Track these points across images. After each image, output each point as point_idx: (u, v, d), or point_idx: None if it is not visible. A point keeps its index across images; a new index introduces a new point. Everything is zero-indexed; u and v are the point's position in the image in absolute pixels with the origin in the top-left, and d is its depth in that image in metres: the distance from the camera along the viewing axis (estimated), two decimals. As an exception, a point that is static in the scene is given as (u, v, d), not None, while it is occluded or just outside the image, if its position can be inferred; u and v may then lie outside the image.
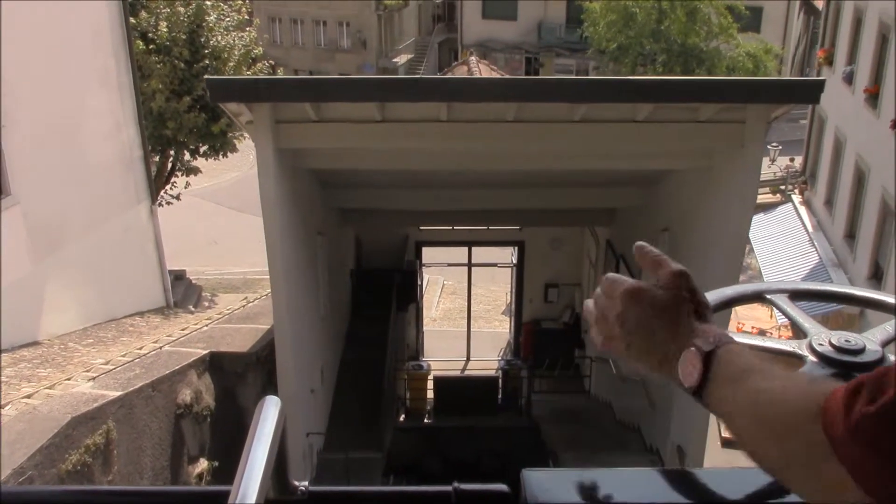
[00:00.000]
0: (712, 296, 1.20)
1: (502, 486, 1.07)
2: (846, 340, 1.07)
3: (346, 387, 12.58)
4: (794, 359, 1.08)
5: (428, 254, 18.05)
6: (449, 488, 1.07)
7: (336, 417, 11.82)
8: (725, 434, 12.78)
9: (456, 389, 15.03)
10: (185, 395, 9.81)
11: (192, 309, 16.29)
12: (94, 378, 9.06)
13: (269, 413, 0.98)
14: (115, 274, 13.72)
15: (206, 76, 10.99)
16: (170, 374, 9.59)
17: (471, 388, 15.18)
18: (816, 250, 17.83)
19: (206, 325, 12.33)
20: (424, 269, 18.67)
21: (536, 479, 1.08)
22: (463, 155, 8.78)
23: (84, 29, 12.71)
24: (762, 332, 12.48)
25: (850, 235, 16.72)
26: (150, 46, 16.57)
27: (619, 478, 1.16)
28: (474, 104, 7.64)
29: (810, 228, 18.97)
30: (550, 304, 18.01)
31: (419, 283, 16.98)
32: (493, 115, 7.83)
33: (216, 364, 10.59)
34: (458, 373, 17.46)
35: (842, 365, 1.04)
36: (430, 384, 15.15)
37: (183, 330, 12.44)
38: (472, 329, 19.14)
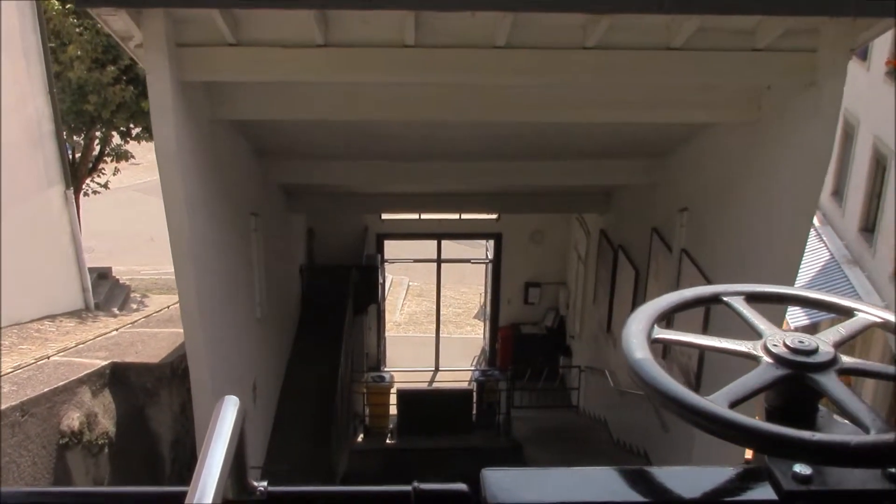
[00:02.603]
0: (671, 297, 1.26)
1: (462, 486, 1.07)
2: (799, 341, 1.09)
3: (290, 405, 10.38)
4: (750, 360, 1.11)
5: (391, 249, 15.91)
6: (408, 488, 1.06)
7: (276, 444, 9.60)
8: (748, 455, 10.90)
9: (423, 405, 13.12)
10: (73, 420, 7.53)
11: (117, 311, 14.03)
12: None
13: (227, 412, 1.00)
14: (20, 270, 11.48)
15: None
16: (50, 392, 7.32)
17: (440, 403, 13.21)
18: (826, 246, 15.94)
19: (117, 330, 10.05)
20: (387, 267, 16.53)
21: (496, 478, 1.06)
22: (434, 101, 6.63)
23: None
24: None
25: (867, 229, 14.85)
26: (68, 7, 14.27)
27: (579, 477, 1.09)
28: (453, 18, 5.51)
29: (816, 223, 17.07)
30: (531, 305, 15.93)
31: (380, 281, 14.81)
32: (478, 40, 5.70)
33: (119, 378, 8.32)
34: (425, 385, 15.49)
35: (795, 365, 1.06)
36: (392, 399, 13.27)
37: (99, 336, 10.20)
38: (441, 335, 17.00)
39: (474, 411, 13.45)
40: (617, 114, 6.74)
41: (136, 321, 11.08)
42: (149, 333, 9.62)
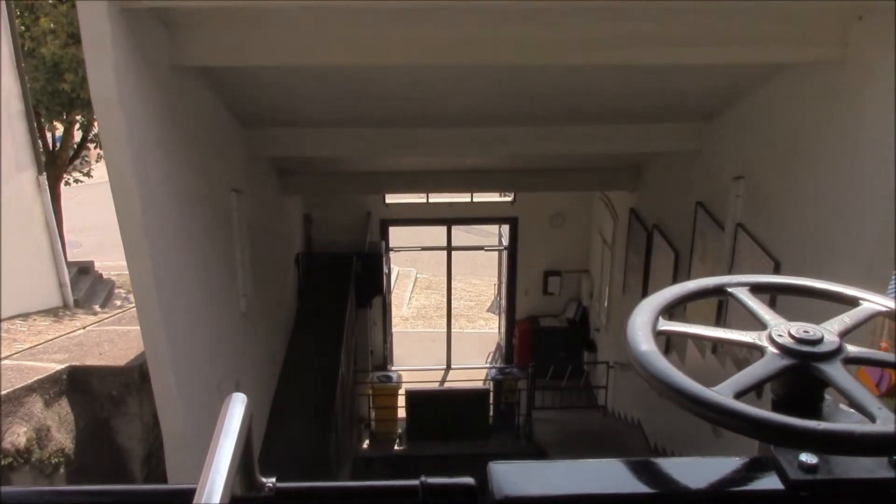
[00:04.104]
0: (675, 289, 1.27)
1: (469, 480, 1.07)
2: (805, 331, 1.10)
3: (284, 409, 9.15)
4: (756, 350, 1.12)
5: (396, 236, 14.65)
6: (416, 482, 1.07)
7: (267, 454, 8.36)
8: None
9: (434, 406, 11.93)
10: (19, 436, 6.32)
11: (98, 309, 12.81)
12: None
13: (235, 410, 0.99)
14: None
15: None
16: (-11, 403, 6.14)
17: (454, 405, 12.02)
18: None
19: (84, 328, 8.84)
20: (393, 257, 15.28)
21: (503, 471, 1.07)
22: (445, 42, 5.36)
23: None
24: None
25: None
26: (41, -24, 13.13)
27: (585, 469, 1.11)
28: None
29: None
30: (551, 296, 14.62)
31: (385, 270, 13.56)
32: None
33: (79, 384, 7.12)
34: (436, 385, 14.23)
35: (800, 355, 1.07)
36: (401, 401, 12.16)
37: (61, 336, 9.00)
38: (452, 329, 15.73)
39: (491, 413, 12.25)
40: (672, 53, 5.45)
41: (105, 318, 9.88)
42: (119, 332, 8.39)
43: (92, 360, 7.39)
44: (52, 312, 11.42)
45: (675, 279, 8.87)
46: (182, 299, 5.70)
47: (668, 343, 9.21)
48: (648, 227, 9.98)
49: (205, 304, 6.43)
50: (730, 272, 7.29)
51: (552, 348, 13.76)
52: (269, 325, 9.42)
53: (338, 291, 11.54)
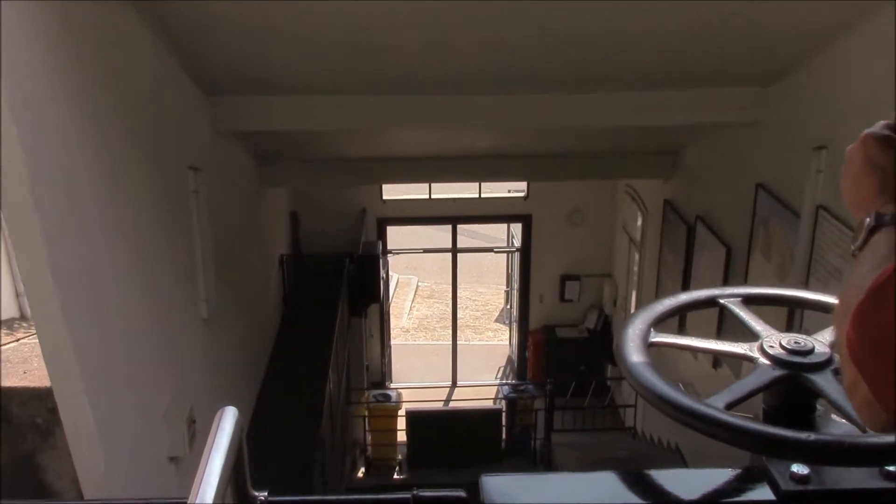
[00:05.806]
0: (668, 302, 1.27)
1: (460, 492, 1.07)
2: (796, 342, 1.12)
3: (261, 434, 7.70)
4: (747, 361, 1.13)
5: (395, 238, 13.24)
6: (408, 495, 1.07)
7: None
8: None
9: (439, 429, 10.64)
10: None
11: (60, 320, 11.29)
12: None
13: (226, 423, 1.00)
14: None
15: None
16: None
17: (461, 427, 10.70)
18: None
19: (17, 341, 7.43)
20: (392, 262, 13.88)
21: (495, 483, 1.07)
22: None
23: None
24: None
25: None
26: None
27: (577, 481, 1.13)
28: None
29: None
30: (569, 303, 13.18)
31: (382, 275, 12.14)
32: None
33: (-5, 411, 5.67)
34: (441, 405, 12.82)
35: (791, 366, 1.09)
36: (401, 422, 10.88)
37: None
38: (458, 341, 14.28)
39: (504, 437, 10.90)
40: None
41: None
42: (56, 345, 6.95)
43: (13, 381, 5.95)
44: (7, 324, 10.01)
45: (728, 278, 7.44)
46: (101, 300, 4.25)
47: (716, 360, 7.79)
48: (689, 220, 8.56)
49: (142, 309, 4.98)
50: (809, 265, 5.85)
51: (571, 362, 12.35)
52: (244, 336, 7.99)
53: (328, 298, 10.17)
